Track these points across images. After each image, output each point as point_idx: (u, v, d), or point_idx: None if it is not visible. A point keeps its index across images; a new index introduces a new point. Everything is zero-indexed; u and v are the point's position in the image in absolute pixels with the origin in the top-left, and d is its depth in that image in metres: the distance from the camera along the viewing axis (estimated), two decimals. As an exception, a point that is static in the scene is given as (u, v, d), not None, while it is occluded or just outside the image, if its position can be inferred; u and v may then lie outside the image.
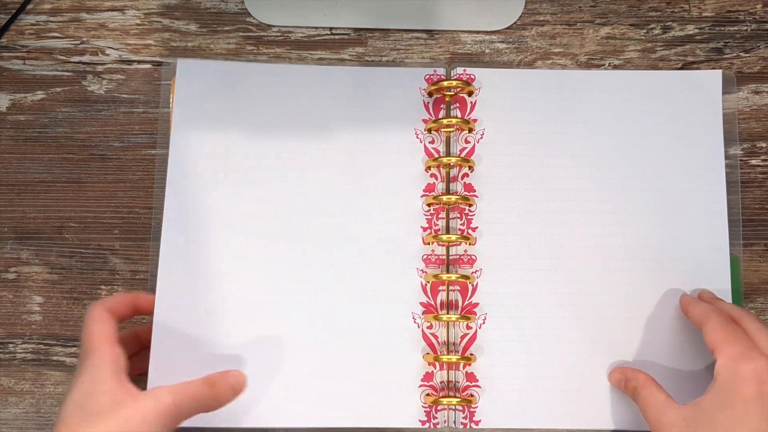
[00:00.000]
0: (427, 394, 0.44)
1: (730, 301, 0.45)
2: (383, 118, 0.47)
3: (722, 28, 0.50)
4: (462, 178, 0.46)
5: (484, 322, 0.45)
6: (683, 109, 0.47)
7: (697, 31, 0.50)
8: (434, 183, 0.47)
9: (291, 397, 0.43)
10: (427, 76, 0.48)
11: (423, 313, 0.45)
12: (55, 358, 0.47)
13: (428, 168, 0.47)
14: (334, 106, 0.47)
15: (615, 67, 0.49)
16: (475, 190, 0.46)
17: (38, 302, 0.48)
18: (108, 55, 0.50)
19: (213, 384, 0.39)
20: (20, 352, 0.47)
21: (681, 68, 0.50)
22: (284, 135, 0.47)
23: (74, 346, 0.47)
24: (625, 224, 0.46)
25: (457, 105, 0.47)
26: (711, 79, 0.48)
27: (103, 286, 0.48)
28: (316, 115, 0.47)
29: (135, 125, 0.49)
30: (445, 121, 0.46)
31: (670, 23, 0.50)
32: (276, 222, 0.45)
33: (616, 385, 0.43)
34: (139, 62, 0.50)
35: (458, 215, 0.46)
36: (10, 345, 0.47)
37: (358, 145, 0.47)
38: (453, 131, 0.47)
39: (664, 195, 0.46)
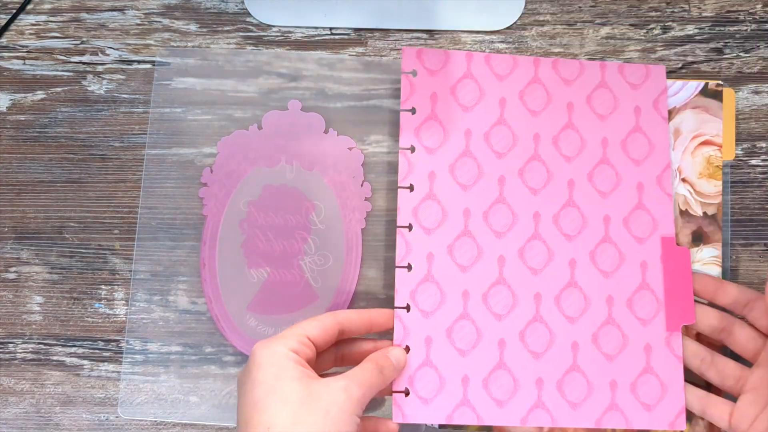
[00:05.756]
0: None
1: None
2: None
3: (722, 28, 0.50)
4: None
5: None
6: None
7: (697, 31, 0.50)
8: None
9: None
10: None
11: None
12: (55, 358, 0.47)
13: None
14: None
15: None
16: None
17: (38, 302, 0.48)
18: (108, 55, 0.50)
19: (382, 369, 0.39)
20: (20, 352, 0.47)
21: (681, 68, 0.50)
22: None
23: (74, 346, 0.47)
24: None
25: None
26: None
27: (103, 286, 0.48)
28: None
29: (135, 125, 0.49)
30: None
31: (670, 23, 0.50)
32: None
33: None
34: (139, 62, 0.50)
35: None
36: (10, 345, 0.48)
37: None
38: None
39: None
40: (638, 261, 0.44)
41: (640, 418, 0.42)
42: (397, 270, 0.43)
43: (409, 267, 0.43)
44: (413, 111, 0.45)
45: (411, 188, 0.44)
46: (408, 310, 0.43)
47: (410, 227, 0.44)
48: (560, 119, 0.46)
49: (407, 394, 0.42)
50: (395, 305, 0.43)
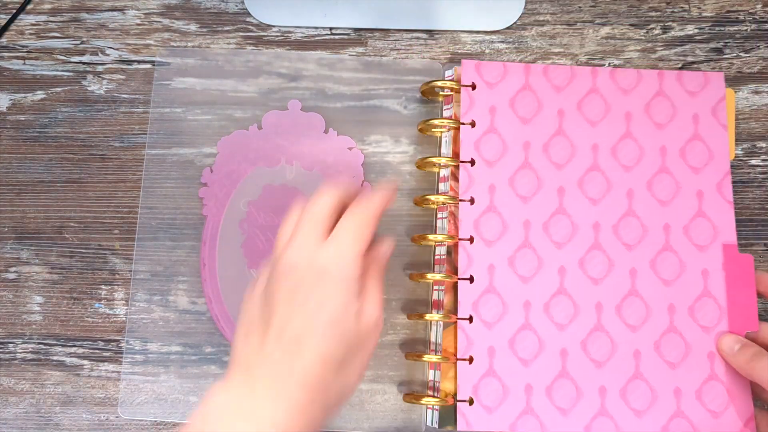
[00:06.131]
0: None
1: None
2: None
3: (722, 28, 0.50)
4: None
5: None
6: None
7: (697, 31, 0.50)
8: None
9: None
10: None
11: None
12: (55, 358, 0.47)
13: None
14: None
15: (615, 67, 0.50)
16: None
17: (38, 302, 0.48)
18: (108, 55, 0.50)
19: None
20: (20, 352, 0.47)
21: (681, 68, 0.50)
22: None
23: (74, 346, 0.47)
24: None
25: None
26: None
27: (103, 286, 0.48)
28: None
29: (135, 125, 0.49)
30: (436, 122, 0.46)
31: (670, 23, 0.50)
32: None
33: (728, 351, 0.42)
34: (139, 62, 0.50)
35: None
36: (10, 345, 0.48)
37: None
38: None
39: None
40: (699, 269, 0.44)
41: (708, 426, 0.42)
42: (459, 282, 0.43)
43: (471, 279, 0.43)
44: (473, 124, 0.45)
45: (472, 201, 0.44)
46: (471, 321, 0.43)
47: (471, 240, 0.44)
48: (619, 129, 0.46)
49: (471, 402, 0.42)
50: (458, 317, 0.43)
